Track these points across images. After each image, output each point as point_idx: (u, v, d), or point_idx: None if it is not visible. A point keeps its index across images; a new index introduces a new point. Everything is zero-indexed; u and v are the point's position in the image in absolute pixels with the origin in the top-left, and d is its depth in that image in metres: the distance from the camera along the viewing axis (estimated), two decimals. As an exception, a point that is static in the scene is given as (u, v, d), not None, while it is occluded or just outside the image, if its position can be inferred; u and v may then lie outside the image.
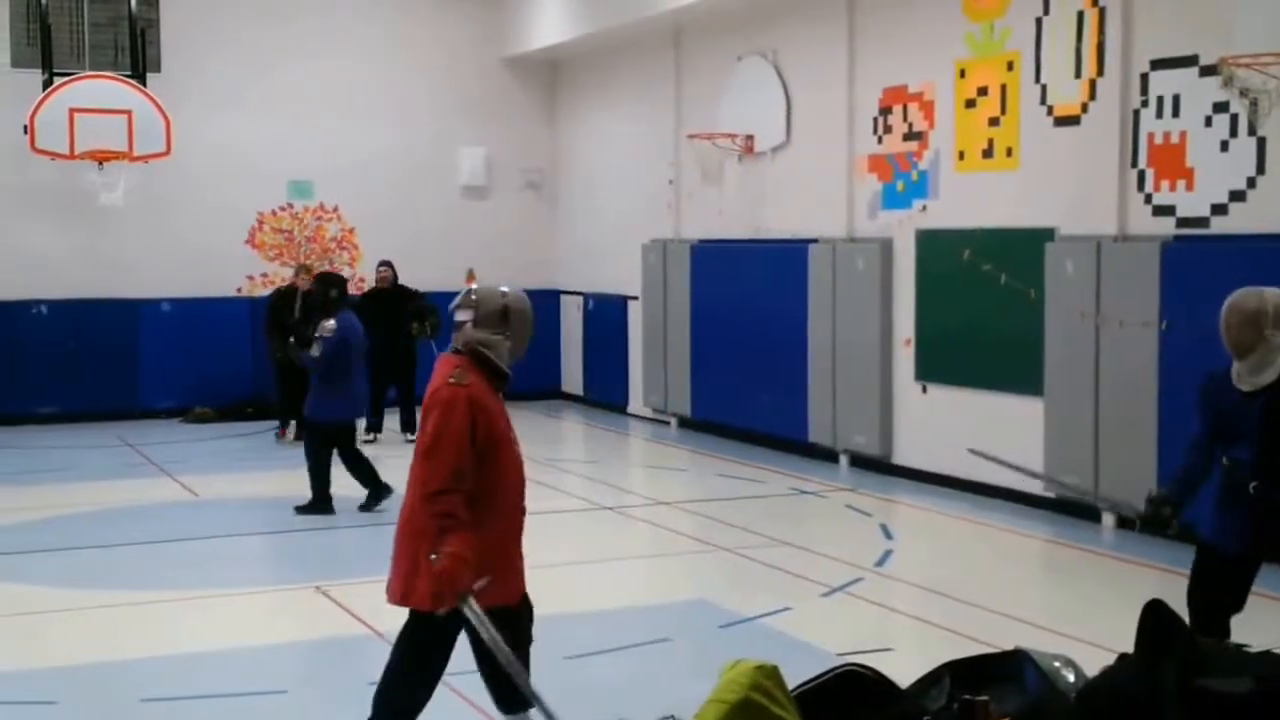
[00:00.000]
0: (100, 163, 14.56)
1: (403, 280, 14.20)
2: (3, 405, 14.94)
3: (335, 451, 10.23)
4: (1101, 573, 8.63)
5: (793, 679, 4.70)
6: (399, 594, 4.98)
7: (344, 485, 10.27)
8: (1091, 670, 4.88)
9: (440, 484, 4.73)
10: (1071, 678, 4.80)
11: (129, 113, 14.55)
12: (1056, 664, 4.87)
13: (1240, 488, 5.52)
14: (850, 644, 6.63)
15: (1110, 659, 4.94)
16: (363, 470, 10.31)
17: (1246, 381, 5.50)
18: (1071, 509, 9.77)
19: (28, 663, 6.82)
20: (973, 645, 6.40)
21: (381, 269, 14.16)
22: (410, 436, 13.65)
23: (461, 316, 5.04)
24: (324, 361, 10.02)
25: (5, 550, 9.27)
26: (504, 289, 5.14)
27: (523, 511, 5.11)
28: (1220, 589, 5.62)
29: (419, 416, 5.10)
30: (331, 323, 10.07)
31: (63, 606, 7.87)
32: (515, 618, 5.11)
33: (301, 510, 10.15)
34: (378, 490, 10.29)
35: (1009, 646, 5.28)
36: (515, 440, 5.05)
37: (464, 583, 4.66)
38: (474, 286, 5.23)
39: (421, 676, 5.04)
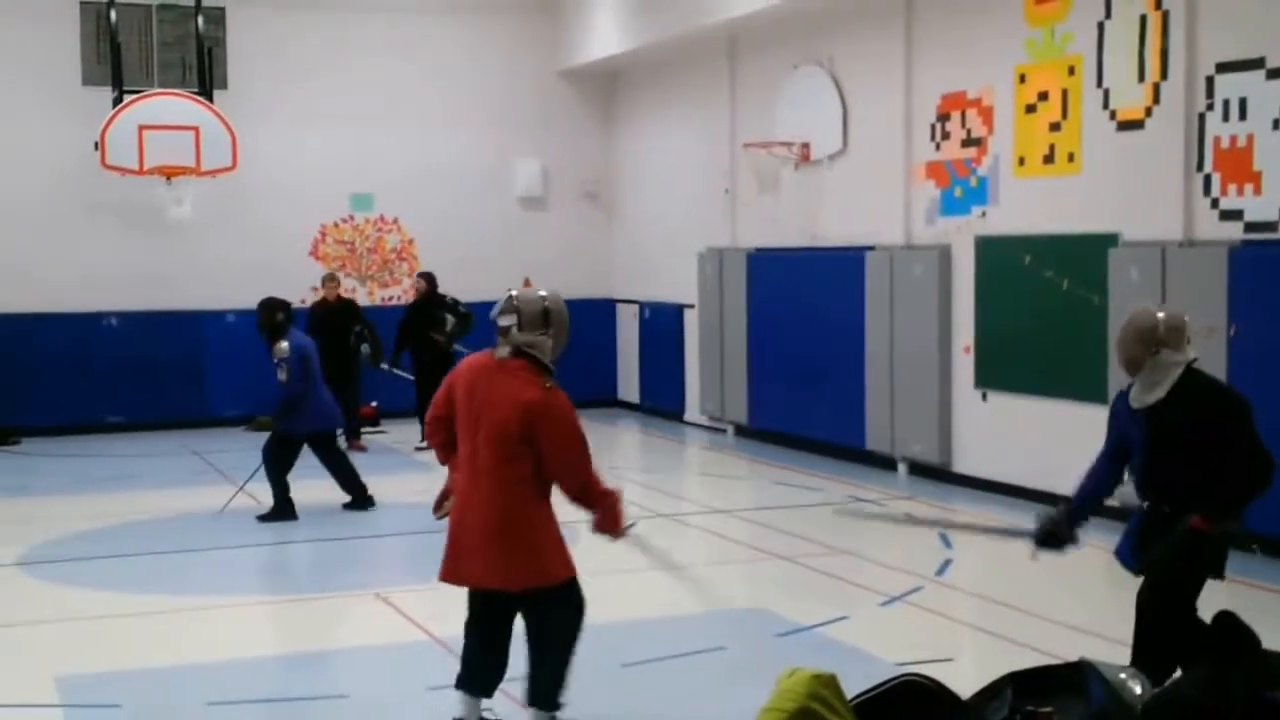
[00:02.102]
0: (168, 178, 14.82)
1: (460, 290, 14.38)
2: (75, 414, 15.22)
3: (321, 459, 10.64)
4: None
5: (850, 688, 4.67)
6: (524, 579, 5.40)
7: (405, 493, 10.34)
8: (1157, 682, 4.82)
9: (600, 485, 5.48)
10: (1138, 690, 4.73)
11: (196, 129, 14.81)
12: (1122, 676, 4.81)
13: (1140, 508, 5.56)
14: (909, 654, 6.59)
15: (1177, 671, 4.88)
16: (347, 474, 10.73)
17: (1138, 399, 5.50)
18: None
19: (94, 667, 6.92)
20: (1035, 656, 6.34)
21: (417, 281, 14.44)
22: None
23: (505, 321, 5.41)
24: (293, 383, 10.25)
25: (74, 556, 9.43)
26: (543, 292, 5.49)
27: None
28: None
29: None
30: (284, 344, 10.32)
31: (128, 611, 7.98)
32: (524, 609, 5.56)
33: (265, 518, 10.38)
34: (363, 496, 10.74)
35: (1073, 657, 5.21)
36: None
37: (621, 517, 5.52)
38: (514, 292, 5.52)
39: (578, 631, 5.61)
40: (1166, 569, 5.45)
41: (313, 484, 10.67)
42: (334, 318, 13.93)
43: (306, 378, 10.35)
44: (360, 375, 14.18)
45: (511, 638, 5.62)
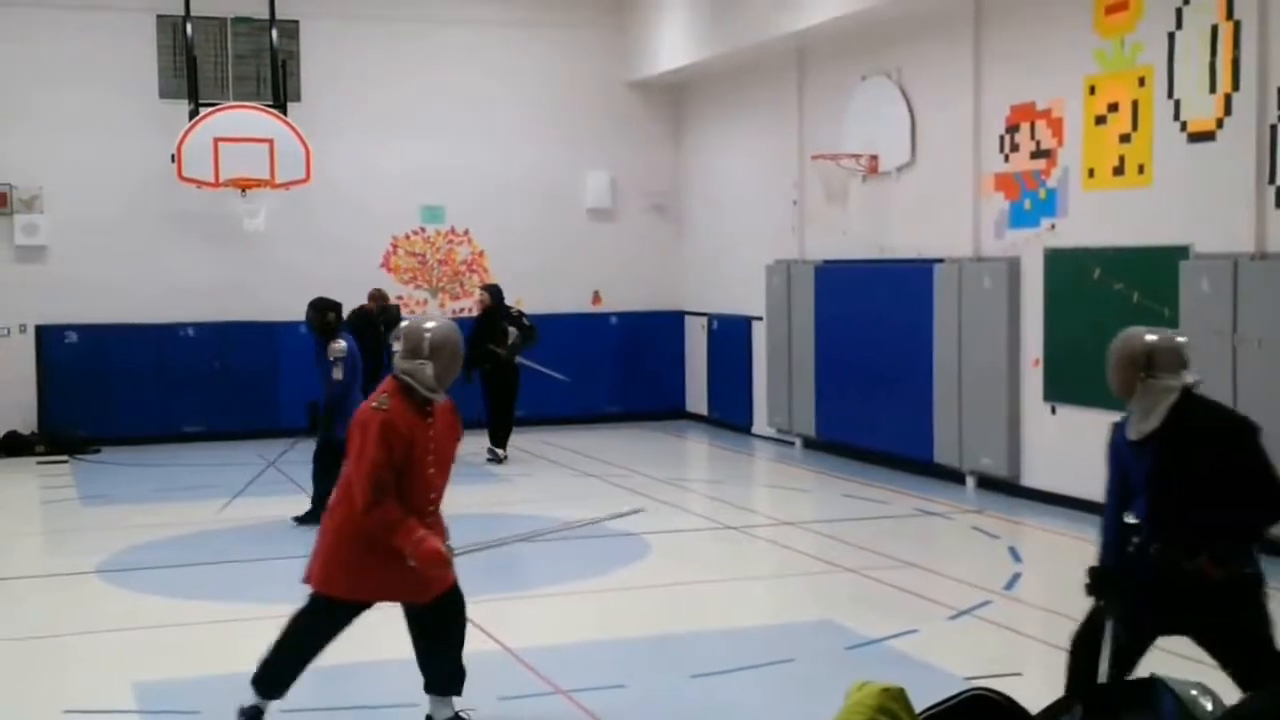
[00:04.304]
0: (243, 190, 15.08)
1: (530, 302, 14.48)
2: (152, 424, 15.52)
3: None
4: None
5: (919, 702, 4.68)
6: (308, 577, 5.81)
7: (471, 504, 10.41)
8: (1230, 699, 4.78)
9: (365, 499, 5.44)
10: (1209, 706, 4.69)
11: (271, 141, 15.05)
12: (1194, 692, 4.77)
13: (1143, 553, 5.01)
14: (978, 668, 6.57)
15: (1249, 688, 4.84)
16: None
17: (1135, 429, 5.08)
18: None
19: (171, 673, 7.07)
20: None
21: (482, 294, 14.49)
22: (497, 451, 13.95)
23: (395, 347, 5.69)
24: (346, 380, 10.41)
25: (152, 564, 9.63)
26: (429, 324, 5.70)
27: (427, 526, 5.64)
28: (1113, 661, 5.05)
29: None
30: (341, 343, 10.47)
31: (205, 618, 8.13)
32: (425, 615, 5.81)
33: (301, 520, 10.52)
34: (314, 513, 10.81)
35: (1143, 673, 5.18)
36: (432, 463, 5.61)
37: (441, 554, 5.51)
38: (405, 322, 5.85)
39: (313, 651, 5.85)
40: (1248, 632, 4.97)
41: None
42: (371, 325, 14.06)
43: (354, 380, 10.52)
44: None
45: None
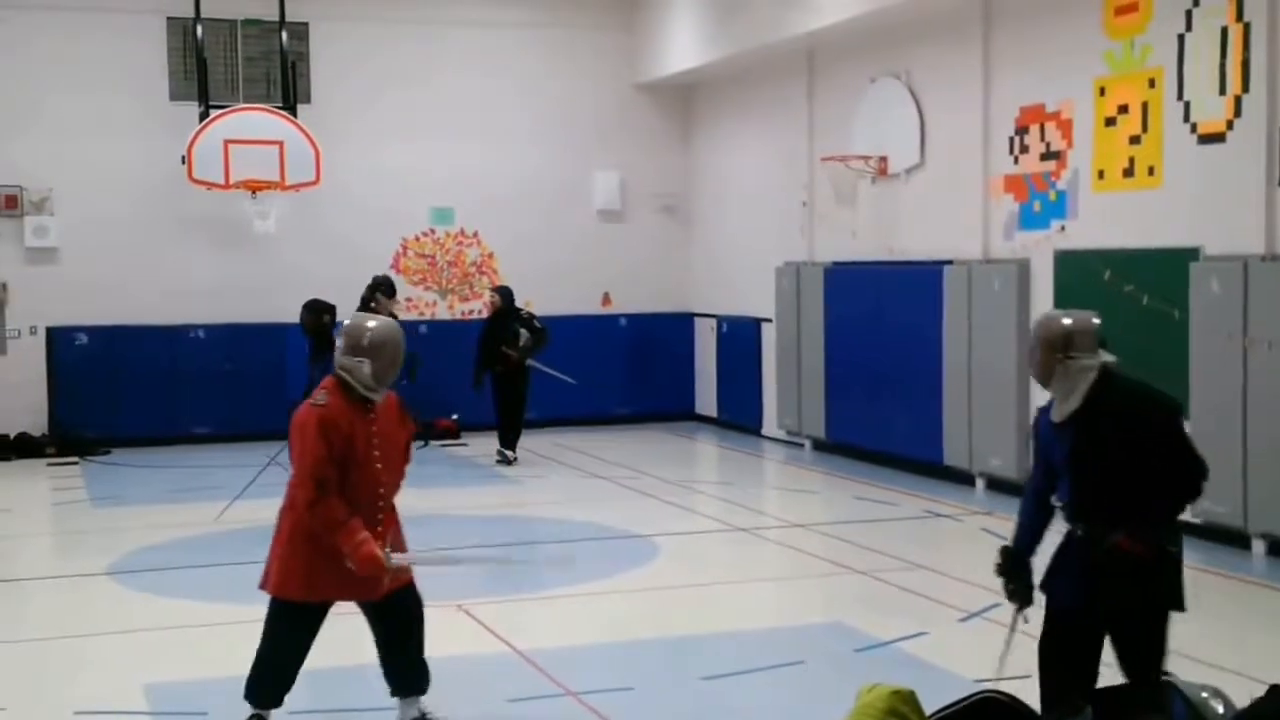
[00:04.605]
0: (253, 192, 15.09)
1: (539, 303, 14.46)
2: (162, 426, 15.54)
3: None
4: (1252, 601, 8.39)
5: (929, 705, 4.69)
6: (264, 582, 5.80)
7: (484, 505, 10.44)
8: (1241, 701, 4.78)
9: (308, 495, 5.47)
10: (1220, 709, 4.71)
11: (281, 143, 15.06)
12: (1204, 694, 4.78)
13: (1070, 537, 5.03)
14: (988, 670, 6.56)
15: (1260, 690, 4.83)
16: None
17: (1057, 411, 5.04)
18: (1219, 535, 9.52)
19: (183, 675, 7.09)
20: (1116, 674, 6.29)
21: (492, 296, 14.45)
22: (507, 453, 13.94)
23: (338, 344, 5.71)
24: None
25: (163, 565, 9.65)
26: (371, 321, 5.74)
27: (376, 524, 5.65)
28: (1064, 665, 5.00)
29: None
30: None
31: (217, 620, 8.12)
32: (382, 615, 5.84)
33: None
34: None
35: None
36: (378, 459, 5.63)
37: (378, 561, 5.51)
38: (349, 319, 5.85)
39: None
40: (1159, 601, 4.92)
41: (409, 492, 10.84)
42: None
43: None
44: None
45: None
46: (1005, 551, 5.21)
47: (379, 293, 11.84)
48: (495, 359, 13.88)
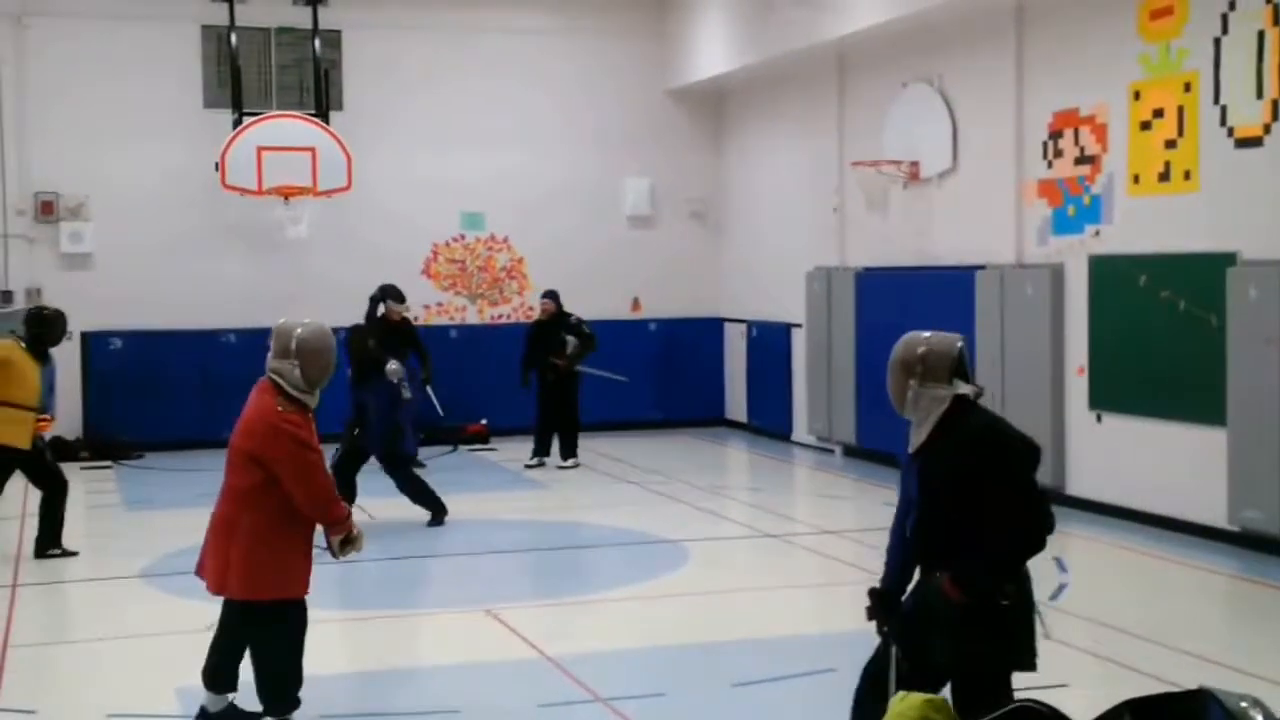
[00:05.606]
0: (286, 198, 15.19)
1: (569, 308, 14.40)
2: (195, 430, 15.57)
3: (352, 471, 10.75)
4: (1289, 610, 8.30)
5: (964, 713, 4.63)
6: (235, 588, 5.82)
7: (513, 510, 10.43)
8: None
9: (333, 488, 5.87)
10: (1260, 719, 4.64)
11: (313, 150, 15.16)
12: (1244, 704, 4.69)
13: (923, 578, 4.65)
14: (1024, 679, 6.50)
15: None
16: (345, 483, 10.61)
17: (911, 441, 4.69)
18: (1259, 544, 9.42)
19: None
20: (1153, 684, 6.23)
21: (544, 300, 14.36)
22: (566, 462, 13.90)
23: (271, 346, 5.82)
24: (413, 399, 10.72)
25: (194, 569, 9.66)
26: (301, 325, 5.83)
27: (313, 523, 5.85)
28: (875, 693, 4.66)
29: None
30: (395, 364, 10.55)
31: (248, 625, 8.16)
32: (305, 608, 5.95)
33: (433, 523, 10.78)
34: (439, 509, 10.90)
35: (1192, 685, 5.12)
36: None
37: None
38: (279, 322, 5.96)
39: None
40: (974, 659, 4.57)
41: (404, 501, 10.87)
42: (392, 339, 14.08)
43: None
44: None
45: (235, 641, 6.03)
46: (873, 594, 4.83)
47: (387, 299, 11.83)
48: (544, 366, 13.82)
